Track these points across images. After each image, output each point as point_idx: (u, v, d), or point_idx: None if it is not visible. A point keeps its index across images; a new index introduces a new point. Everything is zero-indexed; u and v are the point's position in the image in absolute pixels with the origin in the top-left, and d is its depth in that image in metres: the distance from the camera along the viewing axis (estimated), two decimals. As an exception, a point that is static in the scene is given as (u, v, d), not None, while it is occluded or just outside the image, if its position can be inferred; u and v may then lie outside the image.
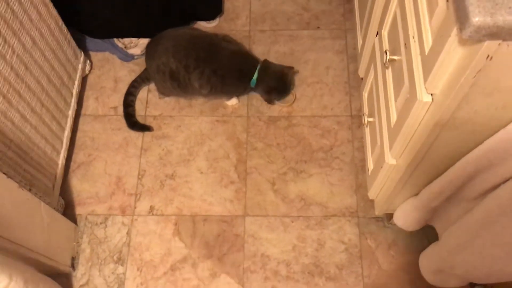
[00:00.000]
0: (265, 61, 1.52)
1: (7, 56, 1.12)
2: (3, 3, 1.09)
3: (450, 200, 1.02)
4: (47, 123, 1.32)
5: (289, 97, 1.57)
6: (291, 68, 1.54)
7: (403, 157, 1.00)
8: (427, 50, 0.78)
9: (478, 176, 0.89)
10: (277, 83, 1.50)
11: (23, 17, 1.18)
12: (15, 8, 1.14)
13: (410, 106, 0.86)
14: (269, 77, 1.49)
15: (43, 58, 1.29)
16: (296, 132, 1.54)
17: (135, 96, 1.59)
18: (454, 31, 0.65)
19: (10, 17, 1.12)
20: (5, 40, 1.11)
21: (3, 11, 1.09)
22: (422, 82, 0.81)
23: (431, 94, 0.80)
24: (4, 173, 1.02)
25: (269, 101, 1.56)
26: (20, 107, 1.18)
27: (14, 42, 1.15)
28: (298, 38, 1.69)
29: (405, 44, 0.90)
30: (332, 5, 1.75)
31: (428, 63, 0.77)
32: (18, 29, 1.16)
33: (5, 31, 1.11)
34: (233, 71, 1.49)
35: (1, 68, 1.09)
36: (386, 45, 1.09)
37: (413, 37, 0.86)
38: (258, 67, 1.49)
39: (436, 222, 1.16)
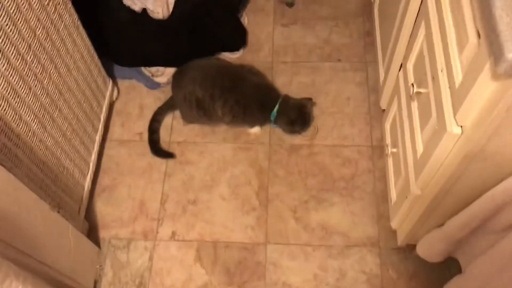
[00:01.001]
0: (286, 95, 1.57)
1: (45, 82, 1.16)
2: (44, 32, 1.15)
3: (476, 232, 1.02)
4: (76, 147, 1.36)
5: (311, 130, 1.60)
6: (310, 99, 1.58)
7: (429, 188, 1.01)
8: (457, 83, 0.80)
9: (506, 208, 0.89)
10: (298, 114, 1.54)
11: (60, 45, 1.23)
12: (53, 36, 1.20)
13: (439, 137, 0.87)
14: (290, 110, 1.53)
15: (75, 85, 1.34)
16: (318, 160, 1.55)
17: (160, 122, 1.63)
18: (487, 66, 0.68)
19: (49, 46, 1.18)
20: (43, 67, 1.15)
21: (43, 39, 1.15)
22: (452, 114, 0.83)
23: (461, 126, 0.82)
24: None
25: (291, 133, 1.58)
26: (53, 131, 1.22)
27: (51, 69, 1.20)
28: (319, 70, 1.73)
29: (433, 77, 0.92)
30: (353, 38, 1.79)
31: (459, 96, 0.79)
32: (55, 56, 1.21)
33: (44, 58, 1.16)
34: (255, 102, 1.54)
35: (39, 93, 1.14)
36: (411, 78, 1.11)
37: (441, 71, 0.88)
38: (280, 100, 1.53)
39: (460, 254, 1.16)
